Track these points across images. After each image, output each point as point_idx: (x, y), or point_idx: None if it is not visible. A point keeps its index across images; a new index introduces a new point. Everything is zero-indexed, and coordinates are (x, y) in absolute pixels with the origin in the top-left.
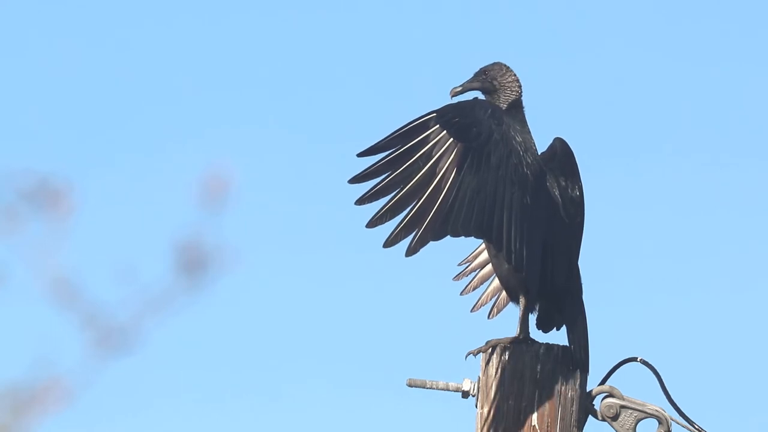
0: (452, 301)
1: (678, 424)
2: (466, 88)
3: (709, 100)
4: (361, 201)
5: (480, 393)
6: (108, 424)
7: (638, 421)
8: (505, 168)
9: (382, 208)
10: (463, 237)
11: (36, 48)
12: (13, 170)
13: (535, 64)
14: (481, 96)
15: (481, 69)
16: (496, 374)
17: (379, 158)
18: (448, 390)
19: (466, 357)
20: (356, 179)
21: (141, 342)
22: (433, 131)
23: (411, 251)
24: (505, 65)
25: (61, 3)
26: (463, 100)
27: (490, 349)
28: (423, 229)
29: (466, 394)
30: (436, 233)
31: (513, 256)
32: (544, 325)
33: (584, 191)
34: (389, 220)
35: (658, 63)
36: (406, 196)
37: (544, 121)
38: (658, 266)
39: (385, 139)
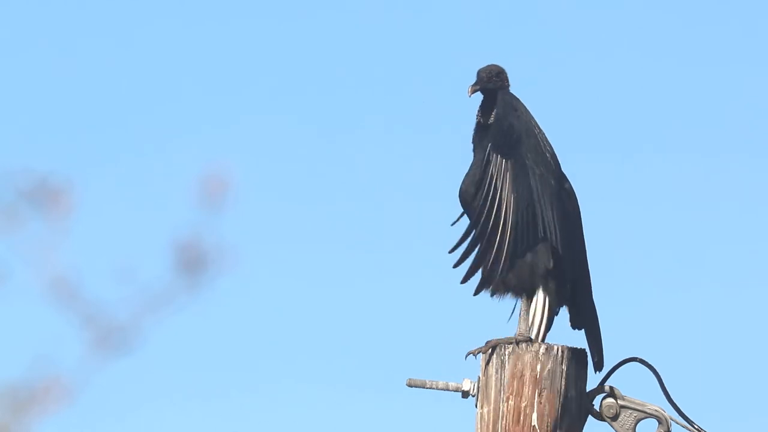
0: (452, 301)
1: (678, 424)
2: (482, 87)
3: (709, 98)
4: (465, 280)
5: (480, 393)
6: (108, 424)
7: (638, 421)
8: (544, 167)
9: (474, 264)
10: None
11: (36, 48)
12: (13, 170)
13: (527, 62)
14: (479, 96)
15: (487, 70)
16: (496, 374)
17: (472, 234)
18: (448, 390)
19: (466, 357)
20: (459, 264)
21: (140, 341)
22: (493, 163)
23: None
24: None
25: (60, 3)
26: (504, 120)
27: (490, 349)
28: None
29: (466, 394)
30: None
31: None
32: (576, 322)
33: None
34: (480, 267)
35: (651, 61)
36: (488, 244)
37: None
38: (657, 266)
39: (473, 216)
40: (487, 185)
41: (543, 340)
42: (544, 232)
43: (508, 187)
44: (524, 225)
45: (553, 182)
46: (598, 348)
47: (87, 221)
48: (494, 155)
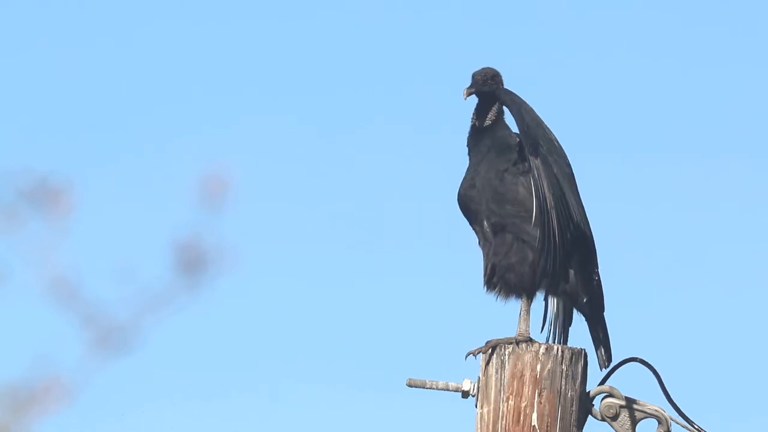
0: (452, 301)
1: (678, 424)
2: (477, 90)
3: (709, 98)
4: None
5: (480, 393)
6: (108, 424)
7: (638, 421)
8: (557, 154)
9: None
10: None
11: (36, 48)
12: (13, 170)
13: (527, 62)
14: (474, 98)
15: (482, 73)
16: (496, 374)
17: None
18: (448, 390)
19: (466, 357)
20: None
21: (140, 341)
22: (533, 167)
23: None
24: None
25: (60, 3)
26: (521, 120)
27: (490, 350)
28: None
29: (466, 394)
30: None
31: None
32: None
33: None
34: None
35: (651, 61)
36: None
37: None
38: (657, 266)
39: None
40: (536, 192)
41: (560, 341)
42: (574, 217)
43: (545, 184)
44: (563, 220)
45: (567, 169)
46: (606, 343)
47: (87, 221)
48: (530, 158)
